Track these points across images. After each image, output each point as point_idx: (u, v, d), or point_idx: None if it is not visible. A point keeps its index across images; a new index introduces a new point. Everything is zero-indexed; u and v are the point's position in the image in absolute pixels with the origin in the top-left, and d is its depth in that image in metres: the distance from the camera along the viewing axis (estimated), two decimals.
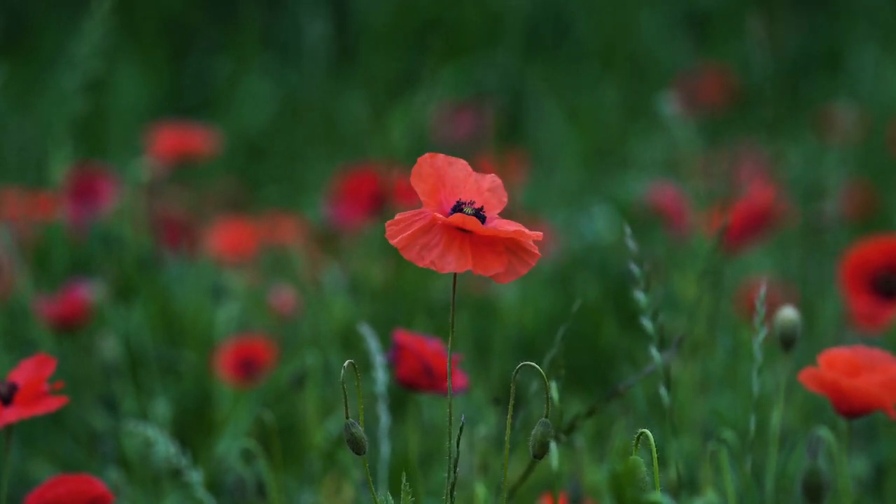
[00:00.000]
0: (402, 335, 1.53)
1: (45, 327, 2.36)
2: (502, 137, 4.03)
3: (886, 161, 3.95)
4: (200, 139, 3.15)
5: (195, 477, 1.57)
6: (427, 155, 1.24)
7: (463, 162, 1.25)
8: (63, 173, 2.75)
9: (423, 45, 5.06)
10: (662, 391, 1.47)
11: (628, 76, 4.98)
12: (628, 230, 1.48)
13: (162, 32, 5.22)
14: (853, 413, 1.43)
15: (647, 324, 1.47)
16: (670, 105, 2.76)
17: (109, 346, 2.28)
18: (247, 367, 2.21)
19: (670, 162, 3.72)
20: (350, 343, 2.48)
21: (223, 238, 3.18)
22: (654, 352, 1.47)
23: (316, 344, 2.47)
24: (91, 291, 2.39)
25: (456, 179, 1.25)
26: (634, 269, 1.47)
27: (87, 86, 2.57)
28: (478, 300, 2.73)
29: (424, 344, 1.53)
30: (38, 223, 2.90)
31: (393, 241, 1.21)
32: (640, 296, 1.47)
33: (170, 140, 3.11)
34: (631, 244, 1.46)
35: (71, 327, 2.35)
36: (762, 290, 1.48)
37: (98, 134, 4.62)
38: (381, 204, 2.77)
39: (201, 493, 1.58)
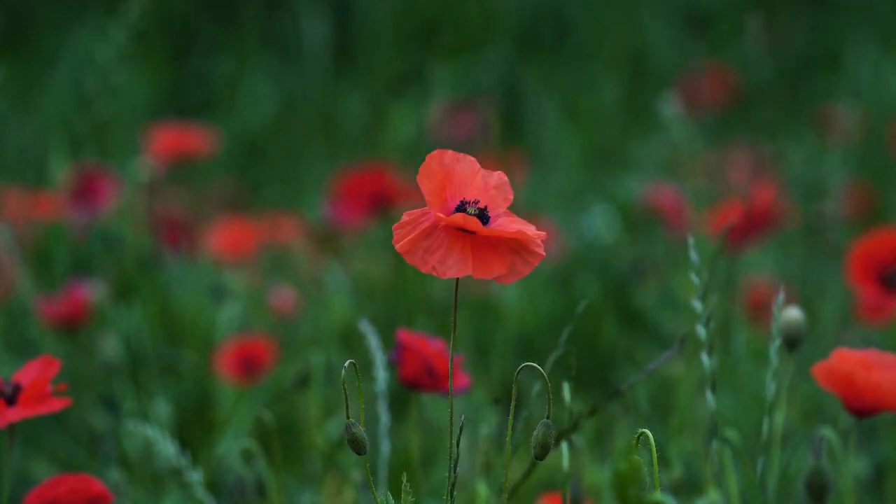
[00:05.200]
0: (405, 334, 1.53)
1: (45, 327, 2.36)
2: (502, 137, 4.03)
3: (886, 161, 3.95)
4: (198, 138, 3.15)
5: (195, 477, 1.57)
6: (436, 151, 1.23)
7: (471, 158, 1.24)
8: (63, 173, 2.75)
9: (423, 45, 5.06)
10: (709, 395, 1.46)
11: (628, 76, 4.98)
12: (691, 241, 1.47)
13: (162, 32, 5.22)
14: (864, 411, 1.42)
15: (701, 331, 1.46)
16: (671, 105, 2.76)
17: (109, 346, 2.27)
18: (247, 367, 2.21)
19: (670, 162, 3.72)
20: (350, 343, 2.48)
21: (223, 238, 3.18)
22: (704, 358, 1.46)
23: (316, 344, 2.46)
24: (91, 291, 2.39)
25: (464, 176, 1.24)
26: (695, 279, 1.46)
27: (108, 91, 2.58)
28: (478, 300, 2.73)
29: (427, 344, 1.53)
30: (38, 223, 2.90)
31: (397, 246, 1.20)
32: (696, 305, 1.46)
33: (168, 140, 3.11)
34: (693, 256, 1.45)
35: (71, 327, 2.35)
36: (780, 296, 1.47)
37: (98, 134, 4.61)
38: (380, 204, 2.77)
39: (201, 493, 1.57)
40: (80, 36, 4.95)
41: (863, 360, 1.43)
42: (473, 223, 1.19)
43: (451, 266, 1.20)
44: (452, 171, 1.23)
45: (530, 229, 1.22)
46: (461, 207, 1.23)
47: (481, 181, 1.24)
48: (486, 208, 1.23)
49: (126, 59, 2.57)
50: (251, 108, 4.92)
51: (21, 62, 4.94)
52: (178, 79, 5.18)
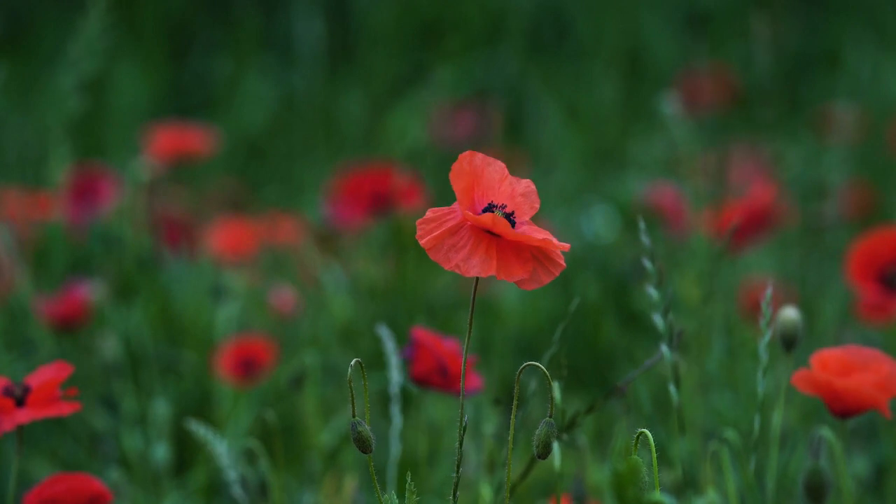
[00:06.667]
0: (421, 332, 1.52)
1: (45, 327, 2.36)
2: (503, 137, 4.03)
3: (886, 161, 3.95)
4: (198, 138, 3.15)
5: (222, 450, 1.57)
6: (467, 152, 1.23)
7: (501, 164, 1.24)
8: (63, 173, 2.75)
9: (423, 45, 5.06)
10: (672, 389, 1.47)
11: (628, 76, 4.98)
12: (642, 225, 1.47)
13: (162, 32, 5.22)
14: (847, 413, 1.42)
15: (657, 320, 1.46)
16: (670, 105, 2.76)
17: (109, 346, 2.28)
18: (247, 367, 2.21)
19: (670, 162, 3.72)
20: (350, 342, 2.48)
21: (223, 238, 3.18)
22: (663, 348, 1.46)
23: (316, 344, 2.47)
24: (91, 291, 2.39)
25: (491, 181, 1.24)
26: (647, 264, 1.46)
27: (84, 84, 2.57)
28: (479, 300, 2.73)
29: (441, 343, 1.52)
30: (38, 223, 2.90)
31: (421, 242, 1.20)
32: (651, 291, 1.46)
33: (167, 139, 3.11)
34: (645, 239, 1.46)
35: (71, 327, 2.35)
36: (768, 292, 1.47)
37: (98, 134, 4.62)
38: (380, 204, 2.77)
39: (226, 462, 1.58)
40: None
41: (841, 361, 1.42)
42: (502, 225, 1.19)
43: (474, 265, 1.20)
44: (481, 174, 1.23)
45: (554, 240, 1.22)
46: (489, 210, 1.22)
47: (508, 187, 1.24)
48: (512, 213, 1.23)
49: (104, 54, 2.57)
50: (250, 108, 4.92)
51: (21, 62, 4.94)
52: (178, 79, 5.18)
